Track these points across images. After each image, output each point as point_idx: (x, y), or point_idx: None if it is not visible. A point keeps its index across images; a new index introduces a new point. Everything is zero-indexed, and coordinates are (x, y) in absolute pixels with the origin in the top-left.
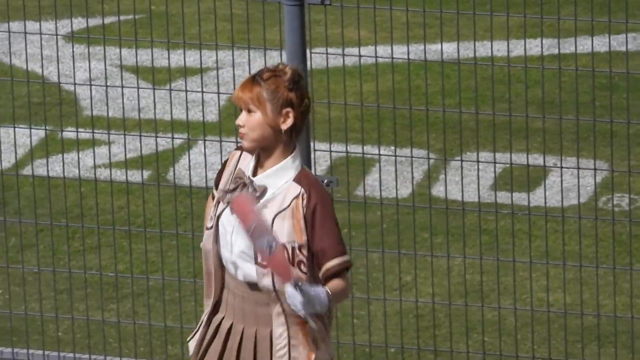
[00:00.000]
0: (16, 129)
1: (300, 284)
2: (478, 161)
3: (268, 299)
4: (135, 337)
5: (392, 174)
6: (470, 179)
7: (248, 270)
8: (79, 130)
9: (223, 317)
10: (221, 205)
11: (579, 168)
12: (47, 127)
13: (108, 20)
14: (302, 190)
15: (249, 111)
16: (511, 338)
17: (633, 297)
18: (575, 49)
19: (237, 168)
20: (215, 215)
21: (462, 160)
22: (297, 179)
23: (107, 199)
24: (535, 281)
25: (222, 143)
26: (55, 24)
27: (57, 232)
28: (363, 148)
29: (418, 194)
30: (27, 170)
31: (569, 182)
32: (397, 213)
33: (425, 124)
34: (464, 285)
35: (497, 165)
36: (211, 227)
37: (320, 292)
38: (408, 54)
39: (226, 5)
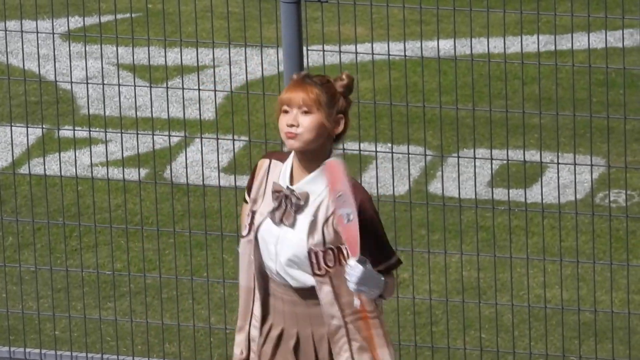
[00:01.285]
0: (13, 127)
1: (365, 260)
2: (475, 158)
3: (323, 303)
4: (133, 335)
5: (389, 171)
6: (467, 176)
7: (298, 276)
8: (76, 129)
9: (271, 325)
10: (259, 216)
11: (575, 164)
12: (44, 126)
13: (105, 18)
14: None
15: (305, 112)
16: (508, 334)
17: (630, 293)
18: (572, 46)
19: (272, 182)
20: (254, 226)
21: (459, 157)
22: None
23: (104, 197)
24: (533, 277)
25: (219, 141)
26: (52, 22)
27: (54, 230)
28: (360, 145)
29: (415, 190)
30: (24, 169)
31: (565, 179)
32: (394, 210)
33: (422, 121)
34: (461, 282)
35: (494, 161)
36: (246, 236)
37: (379, 276)
38: (405, 51)
39: (223, 3)
